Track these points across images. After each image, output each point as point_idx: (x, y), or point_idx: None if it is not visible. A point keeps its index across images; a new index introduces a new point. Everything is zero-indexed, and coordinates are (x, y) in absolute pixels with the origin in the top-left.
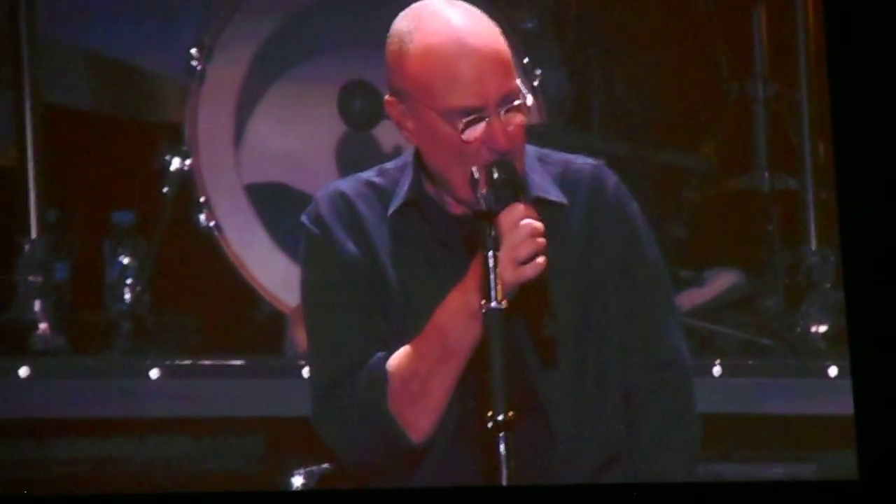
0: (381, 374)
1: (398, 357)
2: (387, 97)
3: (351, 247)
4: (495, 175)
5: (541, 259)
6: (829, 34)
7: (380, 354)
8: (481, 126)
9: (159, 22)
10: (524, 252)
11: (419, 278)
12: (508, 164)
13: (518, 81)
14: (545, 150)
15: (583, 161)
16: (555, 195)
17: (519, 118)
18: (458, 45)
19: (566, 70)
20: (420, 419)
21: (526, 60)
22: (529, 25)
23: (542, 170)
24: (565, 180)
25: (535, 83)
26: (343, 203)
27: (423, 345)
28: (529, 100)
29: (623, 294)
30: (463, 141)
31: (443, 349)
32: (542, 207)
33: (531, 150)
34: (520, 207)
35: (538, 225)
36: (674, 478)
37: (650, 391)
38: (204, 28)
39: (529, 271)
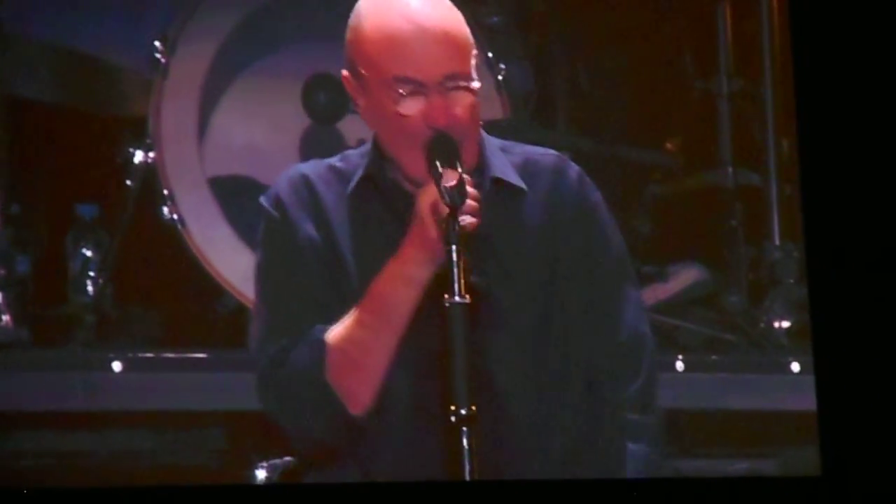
0: (320, 343)
1: (337, 327)
2: (343, 72)
3: (308, 228)
4: (432, 150)
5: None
6: (793, 30)
7: (320, 326)
8: (421, 101)
9: (123, 15)
10: (467, 210)
11: (378, 258)
12: (448, 142)
13: (471, 66)
14: (508, 142)
15: (545, 152)
16: (514, 179)
17: (466, 99)
18: (409, 20)
19: (531, 65)
20: (358, 389)
21: (490, 55)
22: (494, 20)
23: (503, 158)
24: (526, 170)
25: (500, 78)
26: (304, 185)
27: (361, 314)
28: (476, 84)
29: (583, 282)
30: (402, 115)
31: (378, 318)
32: (501, 191)
33: (494, 141)
34: (431, 189)
35: (473, 202)
36: (638, 466)
37: (614, 378)
38: (168, 22)
39: (469, 225)
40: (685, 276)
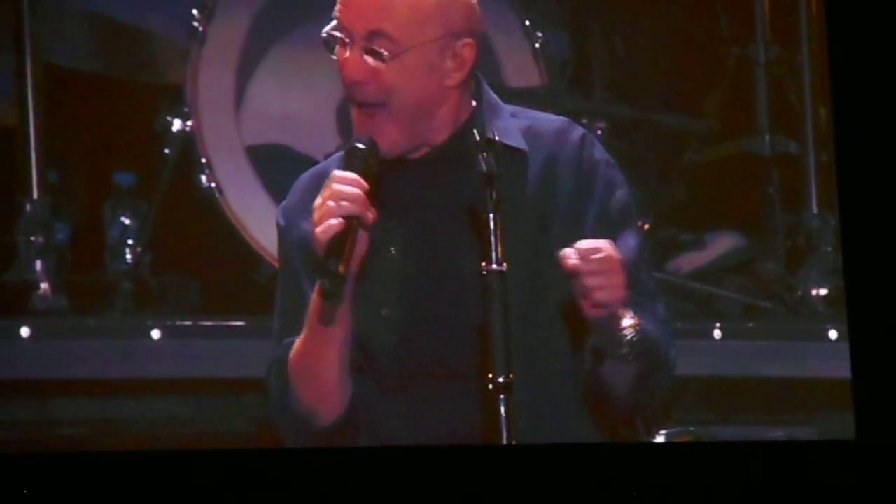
0: (284, 360)
1: (296, 341)
2: None
3: (307, 228)
4: (353, 147)
5: (333, 222)
6: None
7: (288, 340)
8: (345, 52)
9: None
10: (317, 215)
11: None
12: (367, 142)
13: (410, 34)
14: (520, 108)
15: (554, 117)
16: (514, 141)
17: (379, 62)
18: None
19: (567, 33)
20: (318, 402)
21: (528, 23)
22: None
23: (511, 121)
24: (531, 132)
25: (537, 46)
26: (308, 185)
27: (305, 330)
28: (412, 55)
29: (574, 238)
30: (337, 62)
31: (311, 336)
32: (502, 153)
33: (506, 107)
34: (335, 174)
35: (342, 189)
36: (641, 421)
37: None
38: None
39: (318, 234)
40: (722, 244)
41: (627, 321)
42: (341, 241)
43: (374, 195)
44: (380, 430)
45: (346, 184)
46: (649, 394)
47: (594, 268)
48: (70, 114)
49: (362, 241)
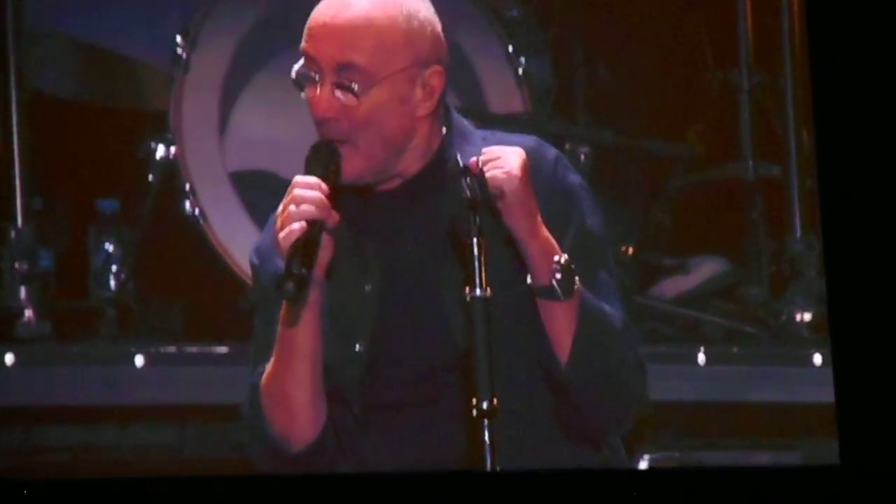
0: (257, 385)
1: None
2: None
3: (278, 263)
4: (312, 152)
5: (295, 226)
6: (811, 23)
7: (261, 368)
8: (315, 88)
9: (144, 10)
10: (279, 221)
11: (338, 270)
12: (326, 145)
13: (380, 66)
14: (489, 131)
15: (525, 138)
16: None
17: (350, 97)
18: (334, 3)
19: (550, 58)
20: (289, 424)
21: (510, 49)
22: (514, 13)
23: (482, 145)
24: None
25: (520, 71)
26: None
27: (275, 351)
28: (382, 87)
29: None
30: (306, 99)
31: (280, 355)
32: (483, 178)
33: (477, 132)
34: (296, 180)
35: (303, 193)
36: (606, 435)
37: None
38: (189, 17)
39: (281, 239)
40: (706, 269)
41: (560, 257)
42: (304, 244)
43: (334, 198)
44: (362, 457)
45: (307, 188)
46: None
47: (492, 156)
48: (54, 140)
49: (327, 246)
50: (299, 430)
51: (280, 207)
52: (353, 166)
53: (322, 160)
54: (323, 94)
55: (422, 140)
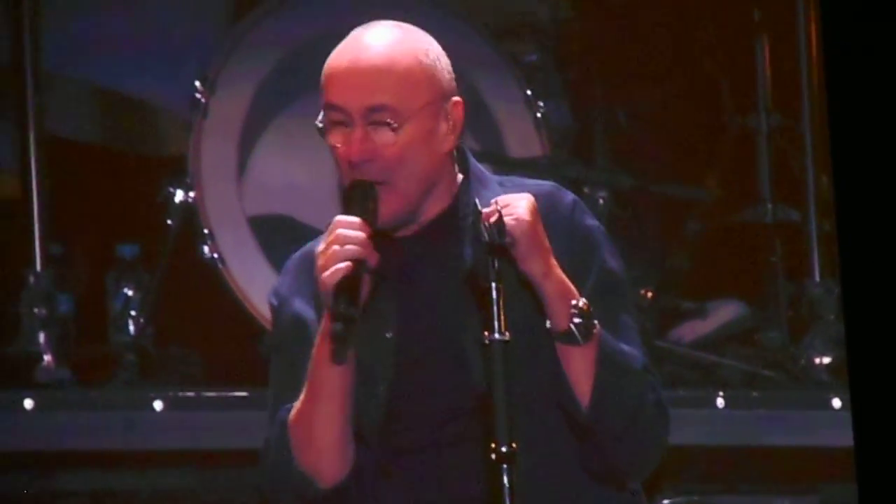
0: (285, 422)
1: (295, 404)
2: None
3: (300, 307)
4: (350, 192)
5: (341, 265)
6: (829, 66)
7: (287, 406)
8: (345, 132)
9: (163, 56)
10: (320, 261)
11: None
12: (360, 186)
13: (409, 104)
14: (506, 177)
15: (541, 183)
16: None
17: (392, 136)
18: (352, 50)
19: (569, 102)
20: (319, 463)
21: (529, 93)
22: (533, 58)
23: (499, 190)
24: None
25: (539, 115)
26: (301, 264)
27: (307, 387)
28: (413, 124)
29: None
30: (333, 147)
31: (312, 392)
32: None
33: (493, 177)
34: (338, 219)
35: (346, 233)
36: (630, 475)
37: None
38: (207, 62)
39: (326, 279)
40: (724, 313)
41: (578, 301)
42: (350, 284)
43: (372, 239)
44: (383, 502)
45: (349, 228)
46: (625, 424)
47: (501, 204)
48: (73, 186)
49: (365, 287)
50: (328, 469)
51: (322, 245)
52: (389, 207)
53: (361, 200)
54: (356, 137)
55: (445, 182)
